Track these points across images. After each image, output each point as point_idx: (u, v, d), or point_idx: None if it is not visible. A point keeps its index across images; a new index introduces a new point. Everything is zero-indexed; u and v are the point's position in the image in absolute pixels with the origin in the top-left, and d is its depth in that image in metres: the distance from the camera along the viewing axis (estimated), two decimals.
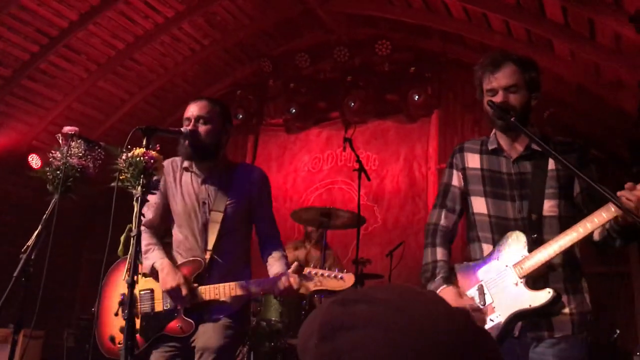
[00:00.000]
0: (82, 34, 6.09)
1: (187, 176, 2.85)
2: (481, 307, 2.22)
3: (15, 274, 2.72)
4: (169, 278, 2.63)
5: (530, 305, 2.12)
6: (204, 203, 2.77)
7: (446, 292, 2.27)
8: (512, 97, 2.27)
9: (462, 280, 2.34)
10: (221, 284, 2.61)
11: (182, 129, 2.69)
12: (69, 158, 2.84)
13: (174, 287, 2.61)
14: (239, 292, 2.59)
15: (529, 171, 2.31)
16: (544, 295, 2.11)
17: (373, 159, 6.85)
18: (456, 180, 2.49)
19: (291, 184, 7.23)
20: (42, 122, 6.83)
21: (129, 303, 2.19)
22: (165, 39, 6.56)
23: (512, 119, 2.22)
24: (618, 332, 4.72)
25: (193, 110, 2.78)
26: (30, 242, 2.81)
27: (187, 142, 2.73)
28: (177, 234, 2.84)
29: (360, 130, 6.66)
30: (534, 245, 2.17)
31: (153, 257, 2.72)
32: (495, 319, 2.18)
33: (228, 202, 2.74)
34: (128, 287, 2.15)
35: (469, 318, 0.69)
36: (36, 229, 2.90)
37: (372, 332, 0.66)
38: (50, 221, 2.83)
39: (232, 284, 2.59)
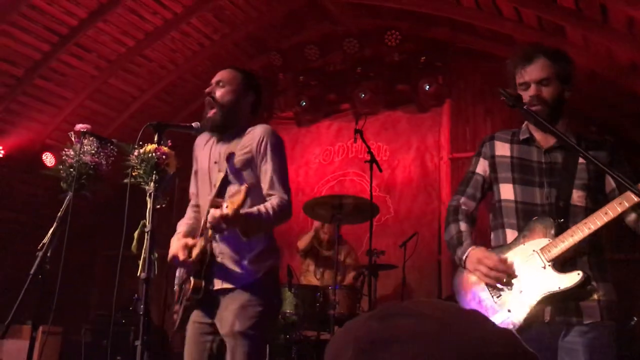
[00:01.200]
0: (92, 31, 6.11)
1: (211, 141, 2.82)
2: (507, 289, 2.23)
3: (32, 272, 2.75)
4: (171, 247, 2.60)
5: (559, 287, 2.13)
6: (215, 162, 2.71)
7: (476, 252, 2.29)
8: (545, 90, 2.29)
9: None
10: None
11: (192, 124, 2.69)
12: (82, 156, 2.87)
13: (172, 255, 2.57)
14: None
15: (560, 162, 2.32)
16: (574, 277, 2.12)
17: (384, 150, 6.83)
18: (481, 168, 2.51)
19: (303, 177, 7.23)
20: (55, 120, 6.88)
21: (144, 299, 2.21)
22: (174, 34, 6.56)
23: (524, 107, 2.22)
24: (635, 319, 4.68)
25: (216, 76, 2.77)
26: (45, 240, 2.83)
27: (207, 114, 2.69)
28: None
29: (370, 121, 6.63)
30: (560, 230, 2.18)
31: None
32: (525, 301, 2.18)
33: (230, 160, 2.64)
34: (144, 283, 2.16)
35: (517, 338, 0.67)
36: (50, 227, 2.92)
37: (415, 347, 0.63)
38: (65, 219, 2.86)
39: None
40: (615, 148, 2.35)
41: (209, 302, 2.59)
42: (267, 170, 2.61)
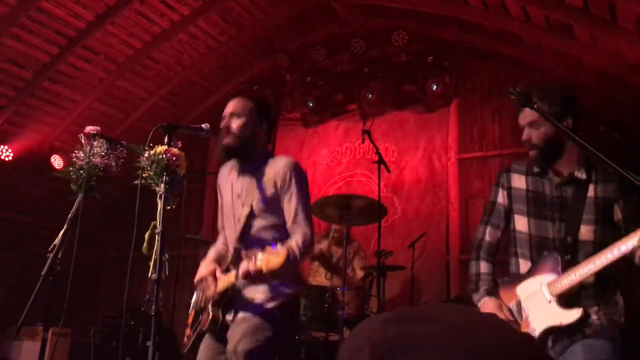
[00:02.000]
0: (100, 34, 6.14)
1: (233, 173, 2.84)
2: (519, 321, 2.40)
3: (43, 273, 2.76)
4: (200, 270, 2.66)
5: (561, 322, 2.28)
6: (238, 196, 2.74)
7: (487, 304, 2.47)
8: (535, 133, 2.41)
9: (504, 295, 2.51)
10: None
11: (202, 125, 2.69)
12: (91, 157, 2.88)
13: (199, 277, 2.64)
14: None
15: (570, 196, 2.43)
16: (574, 314, 2.26)
17: (392, 150, 6.82)
18: (501, 198, 2.63)
19: (310, 178, 7.16)
20: (63, 122, 6.91)
21: (155, 300, 2.21)
22: (182, 36, 6.59)
23: (535, 105, 2.25)
24: None
25: (228, 107, 2.76)
26: (56, 242, 2.85)
27: (222, 142, 2.71)
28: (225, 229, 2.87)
29: (378, 122, 6.64)
30: (567, 266, 2.31)
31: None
32: (531, 333, 2.33)
33: (255, 195, 2.67)
34: (154, 285, 2.17)
35: (536, 343, 0.66)
36: (58, 229, 2.94)
37: (433, 354, 0.62)
38: (75, 220, 2.87)
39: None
40: (623, 181, 2.36)
41: (224, 329, 2.62)
42: (291, 205, 2.64)
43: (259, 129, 2.77)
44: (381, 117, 6.80)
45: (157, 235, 2.32)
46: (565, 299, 2.29)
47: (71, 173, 2.91)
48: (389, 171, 5.12)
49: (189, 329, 2.78)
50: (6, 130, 6.54)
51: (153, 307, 2.21)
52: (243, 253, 2.51)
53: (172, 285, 5.42)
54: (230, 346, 2.50)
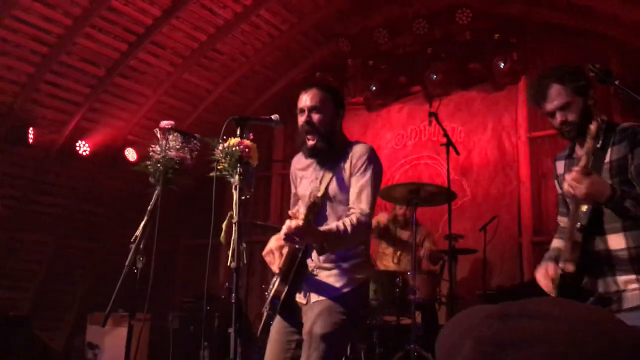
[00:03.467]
0: (166, 29, 6.31)
1: (310, 161, 2.87)
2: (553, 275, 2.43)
3: (127, 263, 2.89)
4: (268, 243, 2.73)
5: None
6: (316, 179, 2.78)
7: (542, 266, 2.54)
8: (569, 114, 2.44)
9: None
10: None
11: (272, 116, 2.73)
12: (167, 151, 2.98)
13: (267, 250, 2.70)
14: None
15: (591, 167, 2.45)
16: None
17: (459, 131, 6.70)
18: (558, 187, 2.75)
19: None
20: (135, 116, 7.16)
21: (235, 287, 2.28)
22: (244, 27, 6.67)
23: (616, 82, 2.19)
24: None
25: (305, 100, 2.76)
26: (137, 233, 2.98)
27: (304, 136, 2.75)
28: None
29: (443, 103, 6.52)
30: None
31: None
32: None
33: (331, 178, 2.70)
34: (233, 272, 2.23)
35: None
36: (135, 219, 3.06)
37: (545, 351, 0.60)
38: (154, 212, 2.99)
39: None
40: (635, 134, 2.41)
41: (297, 314, 2.66)
42: (357, 183, 2.65)
43: (337, 118, 2.80)
44: (447, 97, 6.69)
45: (233, 225, 2.39)
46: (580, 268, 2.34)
47: (149, 166, 3.02)
48: (457, 153, 5.04)
49: (264, 309, 2.84)
50: (83, 126, 6.85)
51: (233, 294, 2.27)
52: None
53: (244, 271, 5.55)
54: (305, 328, 2.55)
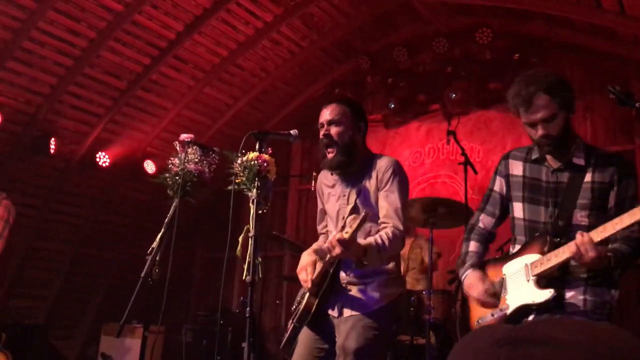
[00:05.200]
0: (189, 43, 6.39)
1: (336, 176, 2.87)
2: (500, 296, 2.41)
3: (142, 274, 2.91)
4: (301, 260, 2.71)
5: (532, 301, 2.28)
6: (344, 196, 2.78)
7: (470, 276, 2.52)
8: (552, 127, 2.35)
9: (491, 272, 2.53)
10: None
11: (290, 131, 2.75)
12: (186, 164, 3.01)
13: (301, 267, 2.68)
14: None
15: (565, 181, 2.41)
16: (545, 294, 2.25)
17: (477, 151, 6.67)
18: (498, 186, 2.65)
19: None
20: (155, 129, 7.24)
21: (249, 302, 2.28)
22: (265, 43, 6.74)
23: (637, 105, 2.17)
24: None
25: (325, 115, 2.80)
26: (154, 245, 2.99)
27: (324, 150, 2.76)
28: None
29: (462, 122, 6.48)
30: (553, 248, 2.29)
31: None
32: (503, 309, 2.37)
33: (359, 191, 2.72)
34: (249, 287, 2.23)
35: None
36: (153, 229, 3.07)
37: None
38: (171, 224, 3.00)
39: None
40: (625, 163, 2.40)
41: (327, 326, 2.67)
42: (386, 198, 2.66)
43: (357, 132, 2.81)
44: (466, 116, 6.66)
45: (250, 239, 2.39)
46: (546, 280, 2.29)
47: (167, 179, 3.04)
48: (475, 172, 5.02)
49: (290, 322, 2.84)
50: (103, 137, 6.93)
51: (247, 308, 2.27)
52: None
53: (259, 286, 5.55)
54: (339, 342, 2.57)
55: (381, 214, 2.65)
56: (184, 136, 3.04)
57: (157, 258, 2.93)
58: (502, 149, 6.48)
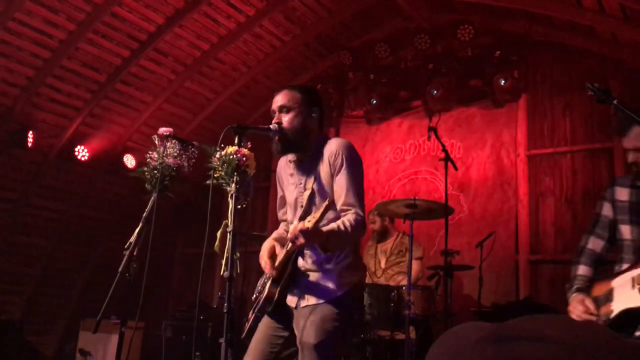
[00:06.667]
0: (169, 37, 6.33)
1: (292, 164, 2.87)
2: (600, 306, 2.60)
3: (120, 270, 2.87)
4: (262, 250, 2.75)
5: (636, 305, 2.43)
6: (300, 183, 2.78)
7: (573, 299, 2.72)
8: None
9: (598, 287, 2.69)
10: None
11: (270, 125, 2.73)
12: (165, 158, 2.97)
13: (261, 256, 2.71)
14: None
15: None
16: None
17: (457, 147, 6.70)
18: (607, 210, 2.87)
19: (373, 176, 7.20)
20: (135, 123, 7.16)
21: (227, 297, 2.26)
22: (247, 37, 6.69)
23: (614, 102, 2.19)
24: None
25: (276, 101, 2.81)
26: (132, 239, 2.96)
27: (275, 137, 2.75)
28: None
29: (443, 118, 6.50)
30: None
31: None
32: (607, 314, 2.53)
33: (314, 177, 2.71)
34: (227, 282, 2.21)
35: None
36: (131, 225, 3.04)
37: None
38: (149, 219, 2.97)
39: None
40: None
41: (286, 315, 2.67)
42: (342, 184, 2.64)
43: (309, 118, 2.80)
44: (447, 113, 6.69)
45: (228, 234, 2.37)
46: None
47: (146, 173, 3.01)
48: (456, 169, 5.03)
49: (250, 312, 2.83)
50: (82, 131, 6.84)
51: (225, 304, 2.25)
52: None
53: (239, 281, 5.54)
54: (298, 337, 2.56)
55: (339, 200, 2.62)
56: (162, 130, 3.01)
57: (135, 253, 2.91)
58: (482, 145, 6.53)
